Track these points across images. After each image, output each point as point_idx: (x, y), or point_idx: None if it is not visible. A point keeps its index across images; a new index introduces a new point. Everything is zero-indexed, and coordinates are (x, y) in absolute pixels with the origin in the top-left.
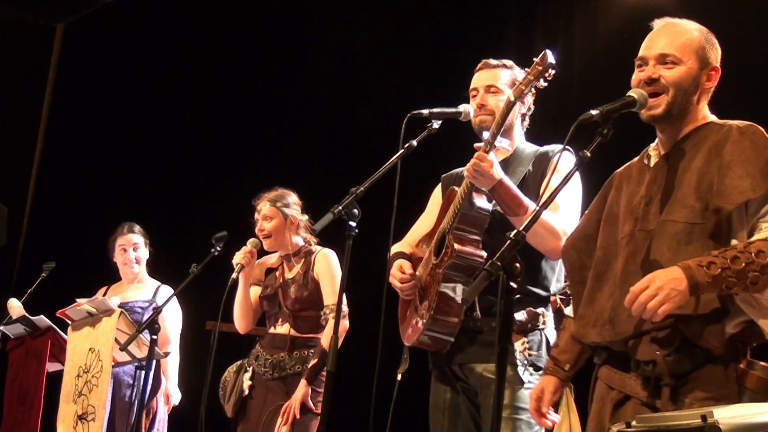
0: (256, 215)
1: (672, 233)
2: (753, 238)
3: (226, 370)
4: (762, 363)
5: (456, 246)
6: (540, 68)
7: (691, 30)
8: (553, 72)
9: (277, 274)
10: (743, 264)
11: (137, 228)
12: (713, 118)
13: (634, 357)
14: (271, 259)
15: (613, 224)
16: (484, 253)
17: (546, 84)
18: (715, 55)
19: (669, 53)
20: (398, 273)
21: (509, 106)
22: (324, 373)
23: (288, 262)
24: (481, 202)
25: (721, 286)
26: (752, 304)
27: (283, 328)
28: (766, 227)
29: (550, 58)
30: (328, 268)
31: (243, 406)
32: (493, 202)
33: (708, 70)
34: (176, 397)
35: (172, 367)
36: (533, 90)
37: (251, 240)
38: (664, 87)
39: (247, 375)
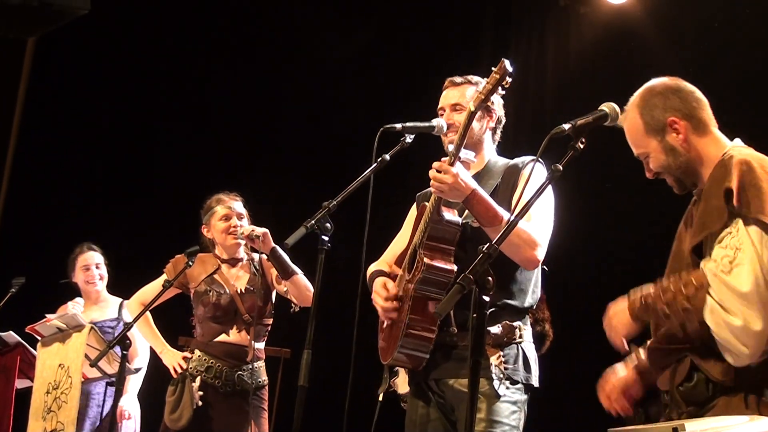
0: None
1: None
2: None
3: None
4: None
5: (426, 260)
6: (498, 77)
7: (634, 116)
8: (510, 80)
9: (220, 278)
10: (671, 295)
11: (96, 247)
12: (727, 144)
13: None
14: (208, 265)
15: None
16: (455, 267)
17: (503, 92)
18: (660, 111)
19: (638, 152)
20: (383, 291)
21: (470, 116)
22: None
23: (230, 268)
24: (449, 215)
25: (657, 314)
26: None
27: (240, 337)
28: (711, 253)
29: (508, 66)
30: None
31: (197, 418)
32: (465, 215)
33: (669, 130)
34: (133, 412)
35: (133, 382)
36: (499, 100)
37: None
38: (662, 174)
39: (196, 385)
